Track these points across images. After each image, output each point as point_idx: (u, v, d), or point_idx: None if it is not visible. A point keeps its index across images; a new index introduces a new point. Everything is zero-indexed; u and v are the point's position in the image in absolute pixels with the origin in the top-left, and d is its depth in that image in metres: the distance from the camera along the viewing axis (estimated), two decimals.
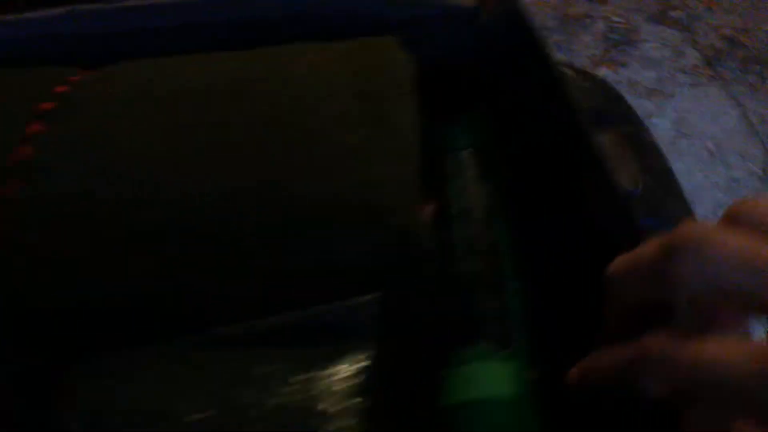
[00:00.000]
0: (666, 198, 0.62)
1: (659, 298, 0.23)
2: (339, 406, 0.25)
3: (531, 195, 0.41)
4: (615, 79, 1.78)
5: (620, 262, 0.26)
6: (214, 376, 0.25)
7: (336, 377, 0.25)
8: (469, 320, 0.36)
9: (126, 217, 0.30)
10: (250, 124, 0.33)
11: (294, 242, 0.30)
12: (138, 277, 0.29)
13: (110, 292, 0.29)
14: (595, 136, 0.35)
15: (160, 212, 0.30)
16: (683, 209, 0.63)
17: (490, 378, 0.34)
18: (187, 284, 0.29)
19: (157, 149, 0.32)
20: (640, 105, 1.70)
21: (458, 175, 0.41)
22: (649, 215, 0.60)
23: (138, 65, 0.38)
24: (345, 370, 0.26)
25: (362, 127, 0.34)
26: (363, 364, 0.28)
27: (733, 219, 0.22)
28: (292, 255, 0.30)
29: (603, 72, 1.80)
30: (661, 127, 1.64)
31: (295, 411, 0.24)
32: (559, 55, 1.87)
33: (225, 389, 0.25)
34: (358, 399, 0.27)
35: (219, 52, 0.39)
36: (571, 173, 0.38)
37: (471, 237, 0.39)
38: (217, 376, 0.25)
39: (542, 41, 0.39)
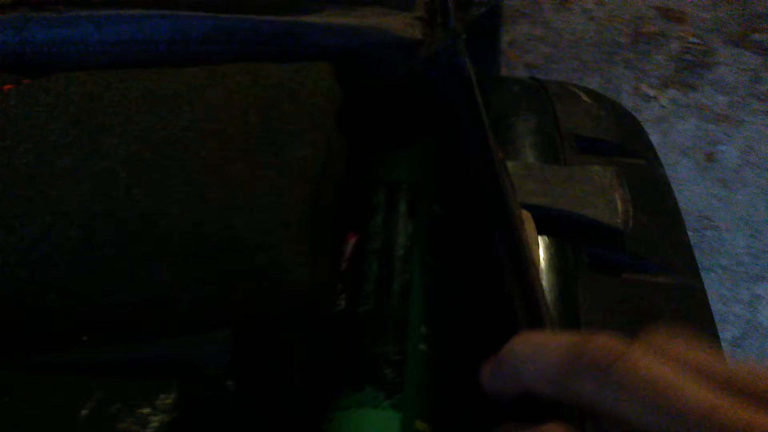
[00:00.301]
0: (662, 239, 0.59)
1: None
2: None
3: (454, 239, 0.40)
4: (684, 102, 1.71)
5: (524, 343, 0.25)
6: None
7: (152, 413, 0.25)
8: (355, 363, 0.34)
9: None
10: (147, 140, 0.33)
11: (157, 269, 0.30)
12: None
13: None
14: (510, 208, 0.34)
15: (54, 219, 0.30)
16: (681, 252, 0.59)
17: (371, 425, 0.33)
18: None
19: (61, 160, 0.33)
20: (707, 131, 1.62)
21: (384, 209, 0.40)
22: (638, 255, 0.56)
23: (70, 76, 0.39)
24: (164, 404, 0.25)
25: (258, 153, 0.33)
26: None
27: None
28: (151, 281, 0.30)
29: (671, 94, 1.72)
30: (727, 155, 1.55)
31: None
32: (628, 73, 1.81)
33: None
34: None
35: (155, 68, 0.40)
36: (487, 233, 0.37)
37: (382, 276, 0.37)
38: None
39: (473, 90, 0.37)
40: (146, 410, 0.23)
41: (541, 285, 0.33)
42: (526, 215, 0.56)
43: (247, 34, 0.41)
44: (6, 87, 0.39)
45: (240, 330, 0.28)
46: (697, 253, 1.47)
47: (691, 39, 1.86)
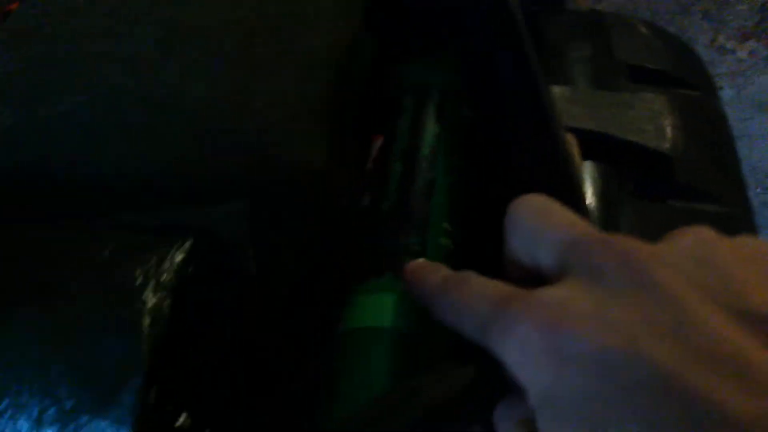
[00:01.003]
0: (712, 170, 0.57)
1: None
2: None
3: (481, 144, 0.40)
4: (764, 54, 1.63)
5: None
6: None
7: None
8: (376, 252, 0.35)
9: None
10: (175, 29, 0.34)
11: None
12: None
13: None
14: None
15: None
16: (731, 182, 0.57)
17: (389, 308, 0.33)
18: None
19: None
20: None
21: (412, 112, 0.40)
22: (687, 182, 0.55)
23: None
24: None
25: (280, 42, 0.34)
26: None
27: None
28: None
29: (751, 46, 1.65)
30: None
31: None
32: (705, 25, 1.73)
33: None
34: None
35: None
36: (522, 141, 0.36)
37: (407, 174, 0.38)
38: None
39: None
40: (163, 252, 0.25)
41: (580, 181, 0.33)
42: (570, 138, 0.55)
43: None
44: None
45: (255, 205, 0.29)
46: (765, 211, 1.41)
47: None
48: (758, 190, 1.38)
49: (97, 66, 0.33)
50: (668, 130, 0.55)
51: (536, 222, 0.24)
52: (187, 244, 0.25)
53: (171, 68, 0.32)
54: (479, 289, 0.24)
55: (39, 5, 0.37)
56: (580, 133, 0.55)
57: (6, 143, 0.32)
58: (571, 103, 0.57)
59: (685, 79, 0.64)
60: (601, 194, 0.55)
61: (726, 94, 1.56)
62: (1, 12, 0.36)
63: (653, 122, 0.55)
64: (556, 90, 0.58)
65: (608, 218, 0.53)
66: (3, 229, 0.27)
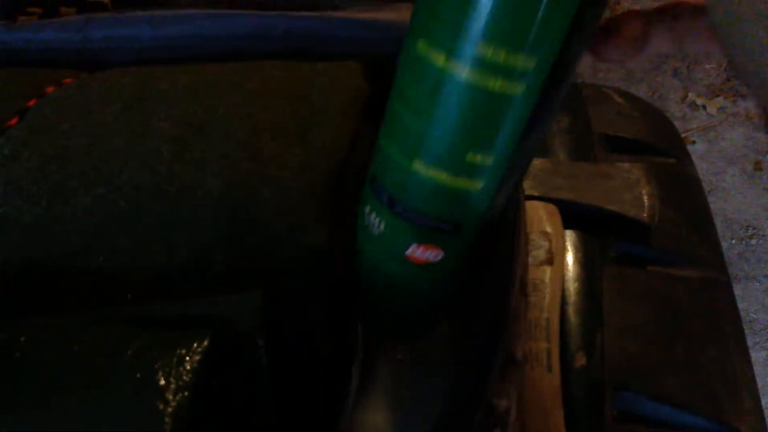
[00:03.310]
0: (689, 235, 0.60)
1: None
2: None
3: None
4: (732, 111, 1.69)
5: None
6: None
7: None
8: None
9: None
10: (190, 123, 0.37)
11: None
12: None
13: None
14: None
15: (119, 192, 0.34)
16: (708, 247, 0.60)
17: None
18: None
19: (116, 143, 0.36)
20: (756, 140, 1.60)
21: None
22: (665, 248, 0.58)
23: (123, 70, 0.43)
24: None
25: (287, 136, 0.36)
26: None
27: None
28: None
29: (720, 102, 1.71)
30: None
31: None
32: (677, 82, 1.79)
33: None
34: None
35: (200, 63, 0.44)
36: None
37: None
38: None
39: None
40: (182, 351, 0.26)
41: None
42: (552, 209, 0.58)
43: (288, 30, 0.44)
44: (66, 80, 0.43)
45: (267, 290, 0.31)
46: (742, 263, 1.45)
47: None
48: (733, 241, 1.42)
49: (113, 161, 0.35)
50: (645, 199, 0.58)
51: None
52: (206, 342, 0.27)
53: (184, 163, 0.34)
54: None
55: (54, 103, 0.39)
56: (562, 204, 0.59)
57: (26, 239, 0.33)
58: (552, 174, 0.60)
59: (660, 147, 0.68)
60: (583, 261, 0.57)
61: (699, 148, 1.61)
62: (18, 108, 0.38)
63: (631, 191, 0.58)
64: (538, 162, 0.61)
65: (591, 284, 0.56)
66: (29, 324, 0.29)
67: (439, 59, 0.25)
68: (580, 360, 0.49)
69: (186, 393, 0.25)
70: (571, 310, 0.53)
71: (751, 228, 1.43)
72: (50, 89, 0.41)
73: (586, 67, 1.88)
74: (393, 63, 0.30)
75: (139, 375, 0.25)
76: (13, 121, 0.38)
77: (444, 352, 0.40)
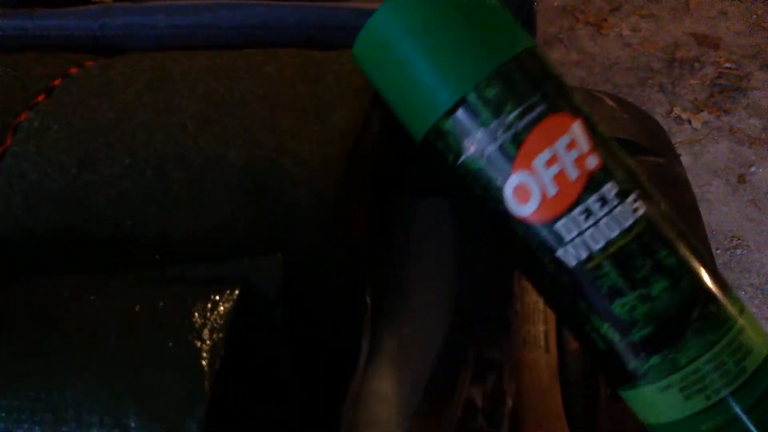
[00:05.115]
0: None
1: None
2: None
3: None
4: (717, 125, 1.73)
5: None
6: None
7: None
8: None
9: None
10: (211, 101, 0.38)
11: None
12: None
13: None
14: None
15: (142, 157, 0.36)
16: (698, 240, 0.62)
17: None
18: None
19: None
20: (740, 153, 1.64)
21: None
22: None
23: (143, 54, 0.44)
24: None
25: (304, 114, 0.38)
26: None
27: None
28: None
29: (704, 117, 1.75)
30: (759, 177, 1.57)
31: None
32: (662, 97, 1.83)
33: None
34: None
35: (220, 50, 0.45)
36: None
37: None
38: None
39: None
40: (216, 297, 0.28)
41: None
42: None
43: (301, 20, 0.46)
44: (87, 63, 0.45)
45: (287, 255, 0.33)
46: (727, 272, 1.48)
47: (726, 64, 1.89)
48: (717, 251, 1.45)
49: (139, 135, 0.36)
50: None
51: None
52: (237, 291, 0.29)
53: (208, 136, 0.36)
54: None
55: (79, 81, 0.41)
56: None
57: (56, 205, 0.35)
58: None
59: (651, 148, 0.70)
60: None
61: (684, 161, 1.64)
62: (45, 86, 0.40)
63: None
64: None
65: None
66: (69, 280, 0.30)
67: None
68: (575, 342, 0.51)
69: (221, 334, 0.26)
70: None
71: (735, 238, 1.46)
72: (74, 70, 0.43)
73: (573, 82, 1.92)
74: None
75: (176, 318, 0.27)
76: (41, 98, 0.40)
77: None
